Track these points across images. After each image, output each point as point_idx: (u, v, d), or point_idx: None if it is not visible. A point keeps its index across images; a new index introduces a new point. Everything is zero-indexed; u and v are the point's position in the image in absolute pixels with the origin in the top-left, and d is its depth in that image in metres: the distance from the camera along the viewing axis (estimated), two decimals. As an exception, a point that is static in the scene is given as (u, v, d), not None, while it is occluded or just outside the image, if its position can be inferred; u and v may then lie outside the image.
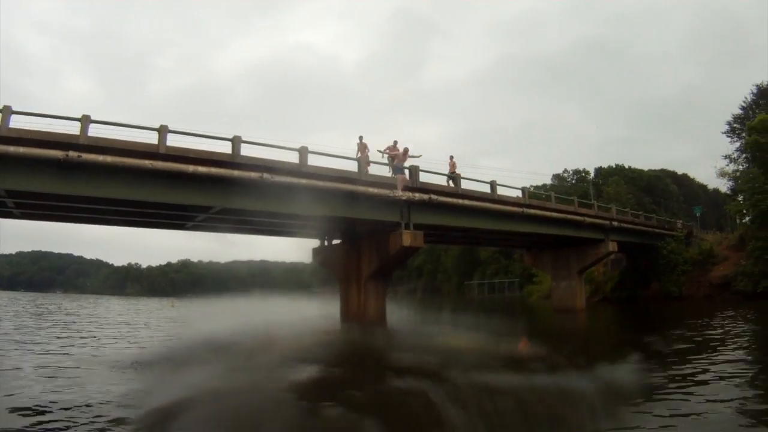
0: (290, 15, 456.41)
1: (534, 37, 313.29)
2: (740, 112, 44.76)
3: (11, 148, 13.48)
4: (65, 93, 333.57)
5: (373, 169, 20.80)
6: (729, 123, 45.27)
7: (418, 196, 20.71)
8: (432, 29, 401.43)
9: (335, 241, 25.00)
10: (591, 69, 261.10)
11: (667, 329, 18.05)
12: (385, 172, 21.32)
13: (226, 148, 16.77)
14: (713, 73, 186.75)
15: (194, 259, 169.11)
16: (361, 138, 21.47)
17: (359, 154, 20.96)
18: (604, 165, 69.27)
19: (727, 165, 44.91)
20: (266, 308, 18.73)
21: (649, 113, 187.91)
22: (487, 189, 24.74)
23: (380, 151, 21.34)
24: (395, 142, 21.80)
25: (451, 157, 24.19)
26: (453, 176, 23.54)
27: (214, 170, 15.85)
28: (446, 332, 14.96)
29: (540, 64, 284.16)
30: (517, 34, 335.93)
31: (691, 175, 77.70)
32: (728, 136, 45.07)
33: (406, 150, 21.17)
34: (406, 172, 21.04)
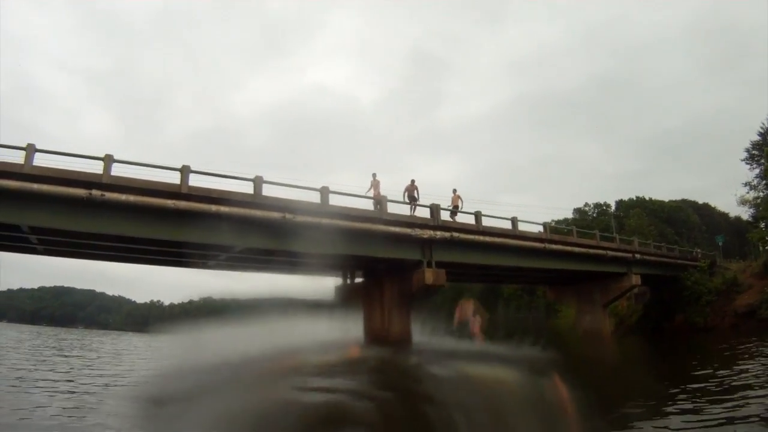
0: (304, 56, 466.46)
1: (546, 74, 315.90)
2: (758, 138, 44.02)
3: (35, 186, 13.62)
4: (83, 132, 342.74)
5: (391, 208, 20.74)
6: (747, 150, 44.47)
7: (439, 234, 20.56)
8: (447, 68, 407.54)
9: (357, 279, 24.83)
10: (604, 103, 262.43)
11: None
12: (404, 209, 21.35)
13: (247, 188, 16.80)
14: (727, 101, 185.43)
15: (216, 296, 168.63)
16: (374, 175, 21.55)
17: (371, 191, 21.03)
18: (623, 198, 68.86)
19: (748, 192, 44.04)
20: (290, 332, 18.46)
21: (665, 144, 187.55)
22: (508, 225, 24.46)
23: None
24: (413, 181, 22.35)
25: (455, 191, 24.07)
26: (455, 210, 23.38)
27: (236, 210, 15.81)
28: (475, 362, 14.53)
29: (553, 100, 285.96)
30: (529, 71, 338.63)
31: (712, 204, 76.87)
32: (747, 163, 44.13)
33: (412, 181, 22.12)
34: (428, 210, 21.03)
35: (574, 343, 29.83)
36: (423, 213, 21.62)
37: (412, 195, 22.27)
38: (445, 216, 22.33)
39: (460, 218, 22.80)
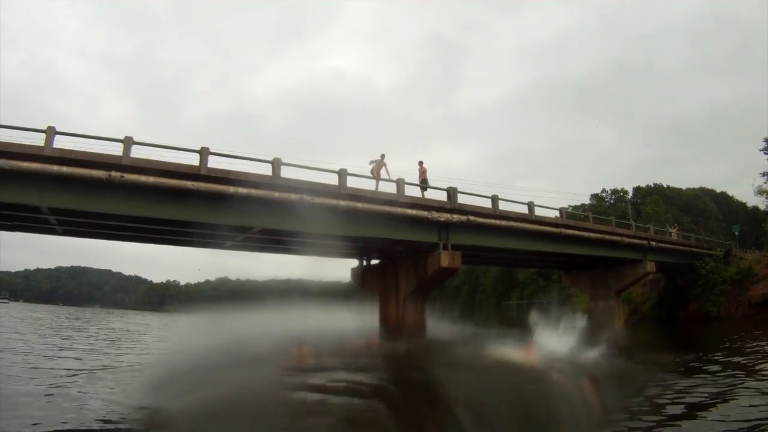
0: (322, 41, 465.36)
1: (563, 60, 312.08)
2: (776, 128, 43.45)
3: (55, 168, 13.74)
4: (103, 116, 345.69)
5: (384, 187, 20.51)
6: (766, 139, 43.71)
7: (456, 217, 20.52)
8: (464, 53, 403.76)
9: (373, 261, 24.90)
10: (621, 89, 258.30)
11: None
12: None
13: (265, 170, 16.83)
14: (747, 88, 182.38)
15: (232, 277, 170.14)
16: (383, 156, 21.23)
17: (373, 167, 20.84)
18: (640, 184, 68.14)
19: (766, 182, 43.42)
20: (305, 320, 18.47)
21: (682, 131, 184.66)
22: (524, 210, 24.33)
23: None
24: (420, 162, 22.19)
25: (421, 163, 22.61)
26: (423, 185, 21.91)
27: (254, 192, 15.87)
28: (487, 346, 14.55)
29: (570, 87, 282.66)
30: (546, 57, 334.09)
31: (730, 193, 75.86)
32: (765, 153, 43.50)
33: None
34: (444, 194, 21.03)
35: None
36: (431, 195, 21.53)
37: (424, 178, 21.96)
38: (479, 201, 22.52)
39: (477, 202, 22.51)
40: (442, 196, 21.40)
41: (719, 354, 15.86)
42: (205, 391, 8.25)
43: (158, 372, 11.96)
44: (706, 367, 13.27)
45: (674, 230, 36.62)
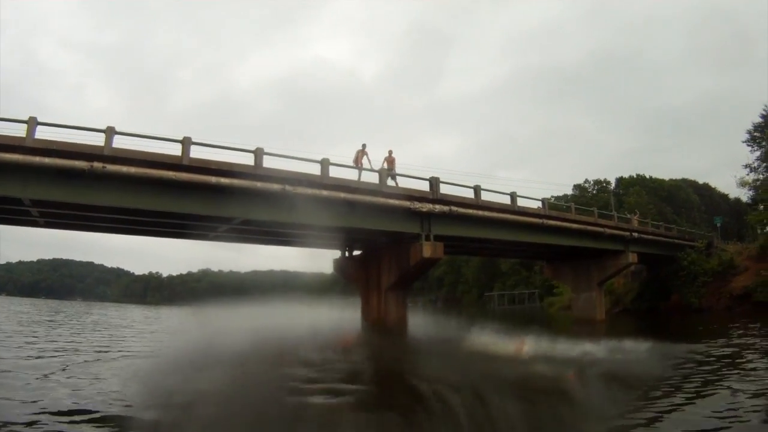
0: (308, 28, 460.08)
1: (548, 49, 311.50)
2: (761, 120, 43.72)
3: (37, 159, 13.75)
4: (88, 106, 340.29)
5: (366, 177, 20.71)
6: (749, 132, 44.16)
7: (438, 207, 20.68)
8: (448, 42, 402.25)
9: (356, 252, 25.02)
10: (606, 79, 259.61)
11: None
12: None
13: (248, 159, 16.90)
14: (731, 81, 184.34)
15: (215, 268, 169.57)
16: (364, 146, 21.35)
17: (357, 158, 20.99)
18: (623, 175, 68.69)
19: (748, 174, 43.92)
20: (286, 315, 18.48)
21: (667, 122, 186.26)
22: (507, 200, 24.58)
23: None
24: (390, 152, 22.09)
25: (390, 152, 22.26)
26: (391, 174, 21.58)
27: (236, 182, 15.95)
28: (467, 339, 14.70)
29: (555, 76, 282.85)
30: (531, 46, 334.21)
31: (713, 184, 76.68)
32: (749, 145, 43.85)
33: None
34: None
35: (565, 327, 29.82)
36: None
37: (391, 167, 21.78)
38: (461, 192, 22.70)
39: (460, 192, 22.71)
40: (425, 186, 21.54)
41: (703, 344, 16.15)
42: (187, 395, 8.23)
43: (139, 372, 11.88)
44: (691, 357, 13.49)
45: (635, 218, 36.83)
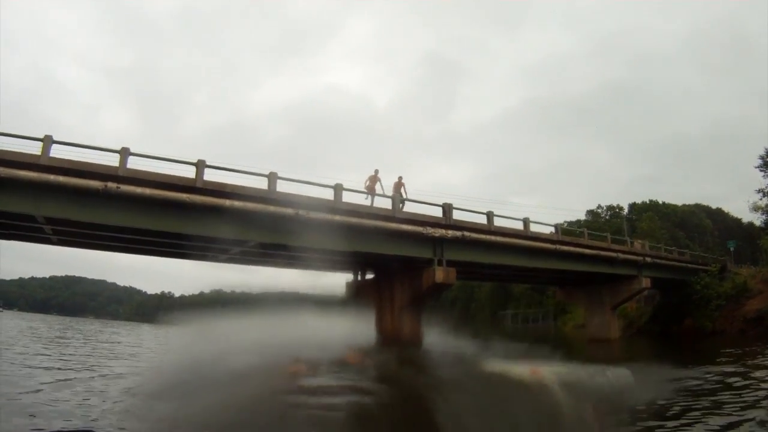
0: (321, 57, 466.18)
1: (560, 80, 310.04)
2: (773, 145, 43.50)
3: (51, 177, 13.77)
4: (103, 126, 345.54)
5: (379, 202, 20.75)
6: (762, 157, 43.96)
7: (451, 233, 20.59)
8: (461, 72, 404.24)
9: (368, 276, 24.88)
10: (616, 109, 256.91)
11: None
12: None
13: (261, 183, 16.90)
14: (742, 107, 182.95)
15: (227, 289, 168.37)
16: (376, 171, 21.45)
17: (367, 184, 21.08)
18: (636, 201, 68.46)
19: (761, 199, 43.73)
20: (297, 327, 18.25)
21: (679, 150, 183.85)
22: (519, 226, 24.41)
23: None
24: (400, 178, 21.93)
25: (400, 178, 21.94)
26: (395, 197, 20.94)
27: (250, 205, 15.94)
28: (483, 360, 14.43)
29: (566, 106, 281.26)
30: (542, 76, 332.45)
31: (725, 209, 76.13)
32: (761, 170, 43.67)
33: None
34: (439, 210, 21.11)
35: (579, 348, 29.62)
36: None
37: (399, 192, 21.65)
38: (473, 217, 22.68)
39: (472, 218, 22.57)
40: (437, 212, 21.47)
41: (718, 367, 15.81)
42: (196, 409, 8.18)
43: (146, 388, 11.81)
44: (706, 382, 13.21)
45: (638, 242, 36.36)
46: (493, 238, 22.27)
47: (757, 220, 48.41)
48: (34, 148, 14.12)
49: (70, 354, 21.96)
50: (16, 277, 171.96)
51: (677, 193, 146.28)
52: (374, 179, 21.04)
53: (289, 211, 16.44)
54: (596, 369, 12.91)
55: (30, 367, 15.69)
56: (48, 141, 14.15)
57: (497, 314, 72.16)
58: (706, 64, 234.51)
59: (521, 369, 12.10)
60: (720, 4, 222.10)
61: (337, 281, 26.38)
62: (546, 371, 11.99)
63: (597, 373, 12.48)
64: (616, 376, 12.40)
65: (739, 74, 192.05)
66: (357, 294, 25.29)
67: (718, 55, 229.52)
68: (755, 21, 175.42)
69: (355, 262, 22.48)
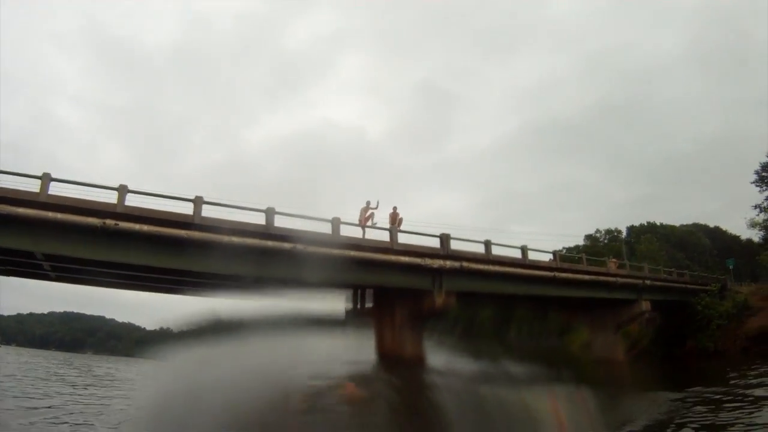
0: (316, 91, 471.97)
1: (552, 103, 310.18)
2: (768, 159, 43.48)
3: (50, 214, 13.85)
4: (101, 164, 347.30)
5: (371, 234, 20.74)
6: (757, 172, 44.06)
7: (449, 263, 20.55)
8: (455, 100, 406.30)
9: (368, 305, 24.74)
10: (610, 130, 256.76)
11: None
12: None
13: (259, 218, 16.98)
14: (736, 123, 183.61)
15: (225, 318, 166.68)
16: (368, 203, 21.53)
17: (360, 218, 21.11)
18: (634, 223, 68.50)
19: (758, 215, 43.75)
20: (293, 348, 17.95)
21: (674, 168, 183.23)
22: (517, 254, 24.44)
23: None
24: (394, 208, 22.16)
25: (394, 209, 22.31)
26: (392, 229, 20.99)
27: (248, 241, 15.97)
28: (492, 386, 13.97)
29: (560, 129, 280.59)
30: (536, 101, 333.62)
31: (723, 227, 76.02)
32: (757, 185, 43.77)
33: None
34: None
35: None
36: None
37: (393, 223, 21.76)
38: (471, 247, 22.61)
39: (470, 247, 22.60)
40: (435, 243, 21.46)
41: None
42: None
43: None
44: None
45: (613, 263, 35.62)
46: (491, 267, 22.21)
47: (756, 236, 48.58)
48: (33, 186, 14.25)
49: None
50: (14, 312, 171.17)
51: (675, 212, 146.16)
52: (365, 211, 21.16)
53: (287, 245, 16.50)
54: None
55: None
56: (46, 179, 14.27)
57: (501, 331, 71.51)
58: (698, 80, 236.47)
59: (539, 400, 11.79)
60: (713, 18, 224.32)
61: (336, 300, 26.30)
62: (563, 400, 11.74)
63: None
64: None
65: (734, 89, 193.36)
66: (356, 314, 25.16)
67: (711, 70, 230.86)
68: (752, 33, 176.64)
69: (355, 293, 22.45)
